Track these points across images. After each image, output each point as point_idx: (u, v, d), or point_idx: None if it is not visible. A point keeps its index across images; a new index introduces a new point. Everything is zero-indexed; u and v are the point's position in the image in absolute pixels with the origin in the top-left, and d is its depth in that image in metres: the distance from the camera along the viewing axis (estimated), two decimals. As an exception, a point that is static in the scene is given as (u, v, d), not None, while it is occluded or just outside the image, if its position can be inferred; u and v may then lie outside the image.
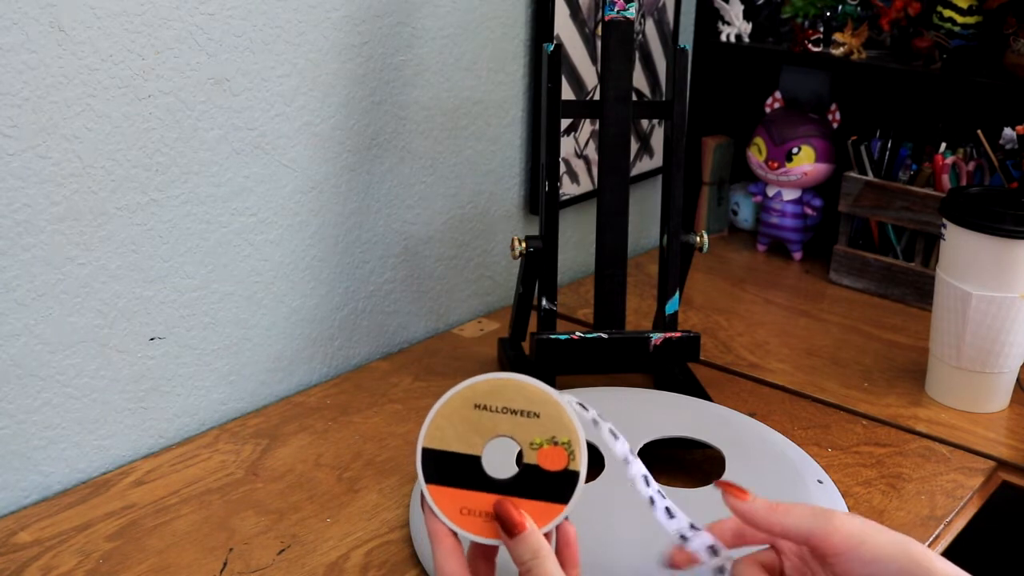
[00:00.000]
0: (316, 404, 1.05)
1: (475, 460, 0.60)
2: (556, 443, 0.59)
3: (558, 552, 0.60)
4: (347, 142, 1.06)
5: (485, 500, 0.59)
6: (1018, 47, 1.25)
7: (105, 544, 0.82)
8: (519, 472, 0.59)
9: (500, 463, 0.60)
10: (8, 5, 0.77)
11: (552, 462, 0.59)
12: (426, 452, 0.60)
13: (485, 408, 0.59)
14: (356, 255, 1.11)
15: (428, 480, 0.60)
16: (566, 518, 0.60)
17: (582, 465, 0.59)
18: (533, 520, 0.59)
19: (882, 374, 1.15)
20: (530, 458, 0.59)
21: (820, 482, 0.89)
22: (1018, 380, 1.09)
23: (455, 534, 0.59)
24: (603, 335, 1.02)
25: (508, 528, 0.58)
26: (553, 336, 1.01)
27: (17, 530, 0.83)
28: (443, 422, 0.60)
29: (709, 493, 0.82)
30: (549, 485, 0.59)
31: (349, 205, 1.09)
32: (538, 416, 0.59)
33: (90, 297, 0.88)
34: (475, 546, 0.61)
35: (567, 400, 0.60)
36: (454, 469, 0.60)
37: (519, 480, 0.59)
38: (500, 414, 0.59)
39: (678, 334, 1.04)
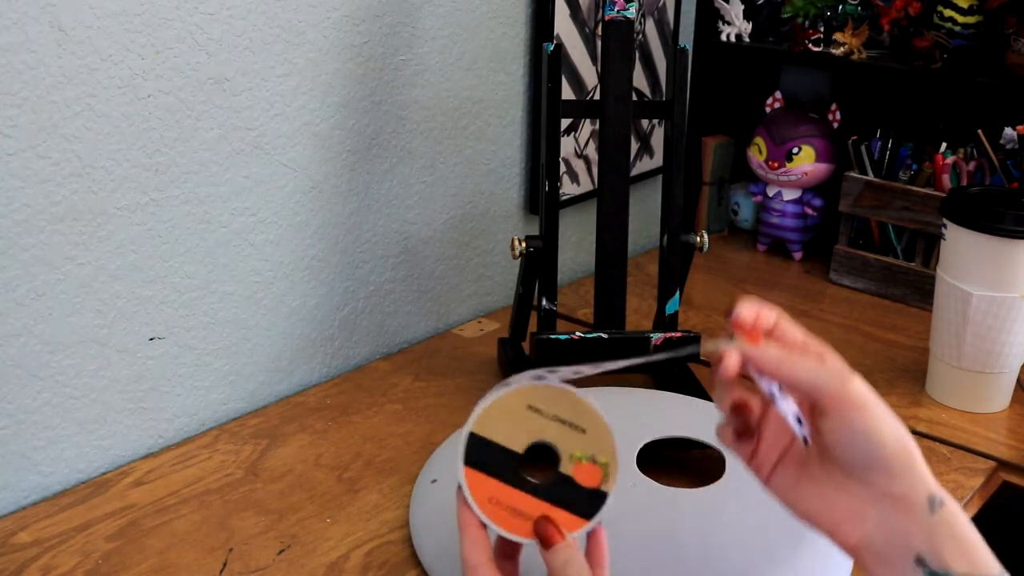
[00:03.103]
0: (316, 404, 1.05)
1: (515, 456, 0.61)
2: (595, 462, 0.61)
3: (587, 552, 0.60)
4: (347, 142, 1.06)
5: (514, 496, 0.61)
6: (1018, 47, 1.25)
7: (105, 544, 0.82)
8: (553, 478, 0.61)
9: (539, 462, 0.61)
10: (8, 5, 0.77)
11: (587, 478, 0.61)
12: (472, 436, 0.61)
13: (538, 411, 0.61)
14: (356, 255, 1.11)
15: (467, 462, 0.61)
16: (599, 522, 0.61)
17: (613, 488, 0.61)
18: None
19: (882, 374, 1.15)
20: (567, 469, 0.61)
21: (820, 482, 0.88)
22: (1018, 380, 1.09)
23: (484, 526, 0.60)
24: (603, 335, 1.02)
25: (545, 542, 0.59)
26: (553, 336, 1.01)
27: (17, 530, 0.83)
28: (496, 413, 0.61)
29: (709, 493, 0.82)
30: (578, 498, 0.61)
31: (349, 205, 1.09)
32: (584, 432, 0.61)
33: (90, 297, 0.88)
34: (500, 544, 0.62)
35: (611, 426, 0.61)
36: (493, 459, 0.61)
37: (551, 485, 0.61)
38: (550, 420, 0.61)
39: (678, 334, 1.03)
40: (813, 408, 0.58)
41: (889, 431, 0.57)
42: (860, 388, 0.57)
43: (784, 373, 0.57)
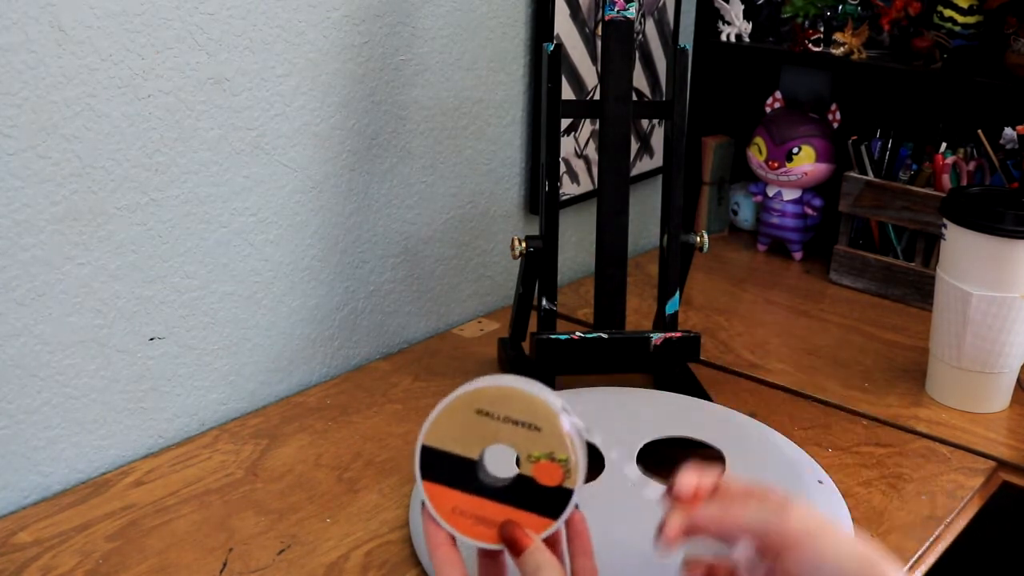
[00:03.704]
0: (316, 404, 1.05)
1: (471, 464, 0.60)
2: (554, 459, 0.59)
3: (569, 541, 0.60)
4: (347, 142, 1.06)
5: (477, 504, 0.59)
6: (1018, 47, 1.25)
7: (105, 544, 0.82)
8: (514, 480, 0.59)
9: (498, 465, 0.60)
10: (8, 5, 0.77)
11: (548, 477, 0.59)
12: (425, 449, 0.60)
13: (487, 415, 0.59)
14: (356, 255, 1.11)
15: (424, 477, 0.60)
16: (576, 507, 0.60)
17: (577, 484, 0.59)
18: None
19: (882, 374, 1.15)
20: (526, 469, 0.59)
21: (820, 482, 0.89)
22: (1018, 380, 1.08)
23: (453, 541, 0.59)
24: (603, 335, 1.02)
25: (513, 548, 0.58)
26: (553, 336, 1.01)
27: (17, 530, 0.83)
28: (444, 422, 0.60)
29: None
30: (541, 499, 0.59)
31: (349, 205, 1.09)
32: (539, 430, 0.59)
33: (89, 297, 0.88)
34: (483, 566, 0.61)
35: (568, 420, 0.59)
36: (450, 469, 0.60)
37: (512, 488, 0.59)
38: (502, 423, 0.59)
39: (678, 334, 1.03)
40: (771, 551, 0.59)
41: (846, 550, 0.57)
42: (803, 516, 0.58)
43: (727, 526, 0.59)
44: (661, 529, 0.60)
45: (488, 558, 0.61)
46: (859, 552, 0.57)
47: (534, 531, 0.59)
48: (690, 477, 0.61)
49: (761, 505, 0.59)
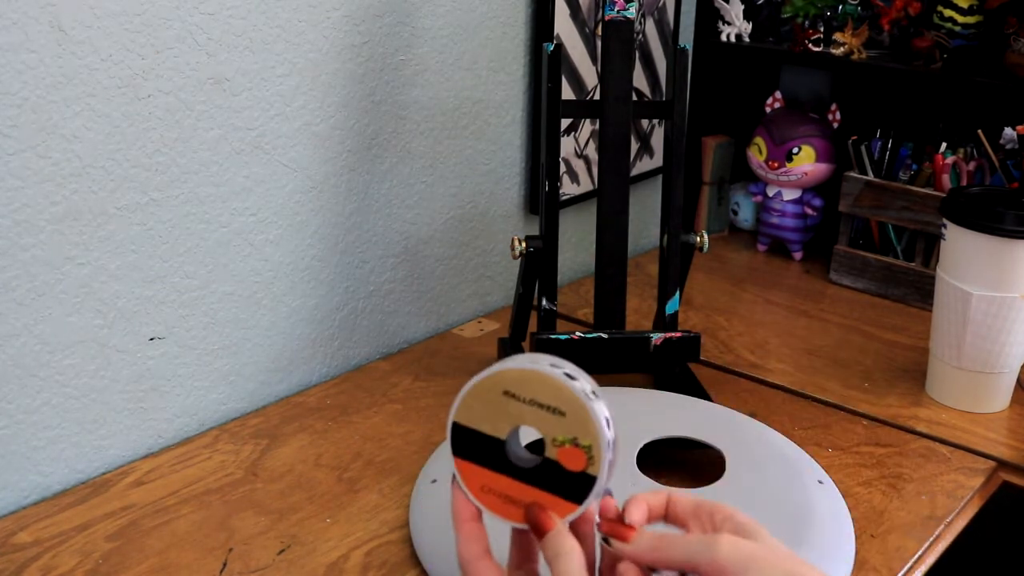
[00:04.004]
0: (316, 404, 1.05)
1: (499, 443, 0.60)
2: (578, 445, 0.59)
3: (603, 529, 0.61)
4: (347, 142, 1.06)
5: (505, 483, 0.60)
6: (1018, 47, 1.25)
7: (105, 544, 0.82)
8: (540, 463, 0.60)
9: (528, 447, 0.61)
10: (8, 5, 0.77)
11: (572, 462, 0.59)
12: (455, 426, 0.60)
13: (513, 396, 0.59)
14: (356, 255, 1.11)
15: (456, 453, 0.60)
16: (609, 493, 0.60)
17: (601, 471, 0.59)
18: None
19: (882, 374, 1.15)
20: (551, 453, 0.59)
21: (820, 482, 0.89)
22: (1018, 380, 1.09)
23: (479, 517, 0.60)
24: (603, 335, 1.02)
25: (537, 531, 0.59)
26: (553, 336, 1.01)
27: (17, 530, 0.83)
28: (473, 401, 0.60)
29: (709, 493, 0.82)
30: (566, 483, 0.59)
31: (349, 205, 1.09)
32: (564, 415, 0.59)
33: (89, 297, 0.88)
34: (515, 552, 0.61)
35: (594, 406, 0.59)
36: (479, 447, 0.60)
37: (539, 470, 0.60)
38: (527, 405, 0.59)
39: (678, 334, 1.03)
40: None
41: (766, 572, 0.57)
42: (729, 550, 0.58)
43: (660, 559, 0.59)
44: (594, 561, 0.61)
45: (522, 532, 0.62)
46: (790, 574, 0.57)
47: (559, 515, 0.59)
48: (638, 507, 0.62)
49: (692, 539, 0.59)
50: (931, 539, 0.87)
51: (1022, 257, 1.01)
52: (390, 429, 1.00)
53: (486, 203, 1.26)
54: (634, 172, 1.44)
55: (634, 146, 1.44)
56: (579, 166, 1.35)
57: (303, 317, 1.08)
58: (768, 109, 1.49)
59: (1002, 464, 0.98)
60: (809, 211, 1.47)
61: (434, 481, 0.87)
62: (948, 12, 1.30)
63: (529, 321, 1.10)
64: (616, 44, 1.02)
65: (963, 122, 1.33)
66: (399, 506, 0.88)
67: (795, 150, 1.43)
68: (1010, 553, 1.04)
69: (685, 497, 0.63)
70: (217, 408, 1.02)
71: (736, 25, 1.48)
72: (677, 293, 1.06)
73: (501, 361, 0.60)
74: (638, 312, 1.27)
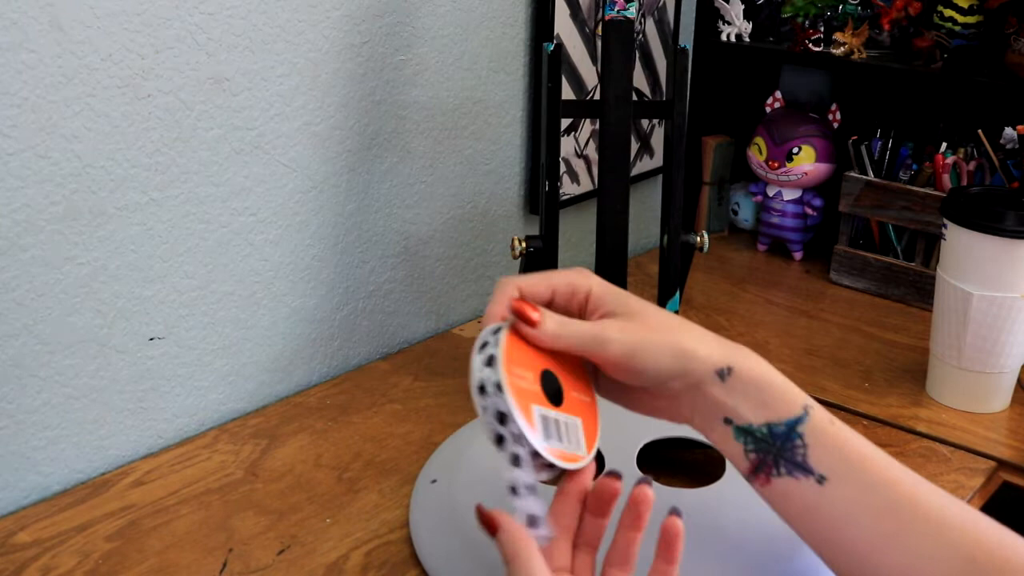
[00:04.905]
0: (316, 404, 1.04)
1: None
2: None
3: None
4: (347, 142, 1.06)
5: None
6: (1019, 47, 1.25)
7: (104, 544, 0.82)
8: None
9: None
10: (7, 4, 0.77)
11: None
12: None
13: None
14: (356, 255, 1.11)
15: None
16: (616, 475, 0.62)
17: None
18: (558, 459, 0.60)
19: (882, 374, 1.15)
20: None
21: (820, 482, 0.88)
22: (1019, 380, 1.08)
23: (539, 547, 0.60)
24: (603, 335, 1.02)
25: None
26: (553, 336, 1.01)
27: (16, 530, 0.83)
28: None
29: (709, 493, 0.82)
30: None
31: (349, 205, 1.09)
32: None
33: (89, 297, 0.88)
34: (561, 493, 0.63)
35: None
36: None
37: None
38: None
39: (678, 334, 1.03)
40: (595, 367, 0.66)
41: (651, 353, 0.63)
42: (620, 337, 0.63)
43: (561, 341, 0.64)
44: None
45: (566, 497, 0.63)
46: (664, 350, 0.63)
47: (568, 461, 0.61)
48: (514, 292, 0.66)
49: (584, 330, 0.64)
50: (931, 539, 0.86)
51: (1022, 257, 1.00)
52: (390, 429, 1.00)
53: (486, 203, 1.26)
54: (634, 172, 1.44)
55: (634, 146, 1.44)
56: (579, 166, 1.35)
57: (303, 317, 1.08)
58: (768, 109, 1.49)
59: (1002, 464, 0.98)
60: (809, 211, 1.47)
61: (434, 481, 0.87)
62: (948, 12, 1.30)
63: (529, 321, 1.10)
64: (616, 44, 1.02)
65: (963, 122, 1.33)
66: (399, 506, 0.88)
67: (795, 150, 1.43)
68: (1010, 553, 1.03)
69: (537, 284, 0.67)
70: (217, 408, 1.02)
71: (736, 25, 1.48)
72: (677, 293, 1.06)
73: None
74: (638, 312, 1.27)
